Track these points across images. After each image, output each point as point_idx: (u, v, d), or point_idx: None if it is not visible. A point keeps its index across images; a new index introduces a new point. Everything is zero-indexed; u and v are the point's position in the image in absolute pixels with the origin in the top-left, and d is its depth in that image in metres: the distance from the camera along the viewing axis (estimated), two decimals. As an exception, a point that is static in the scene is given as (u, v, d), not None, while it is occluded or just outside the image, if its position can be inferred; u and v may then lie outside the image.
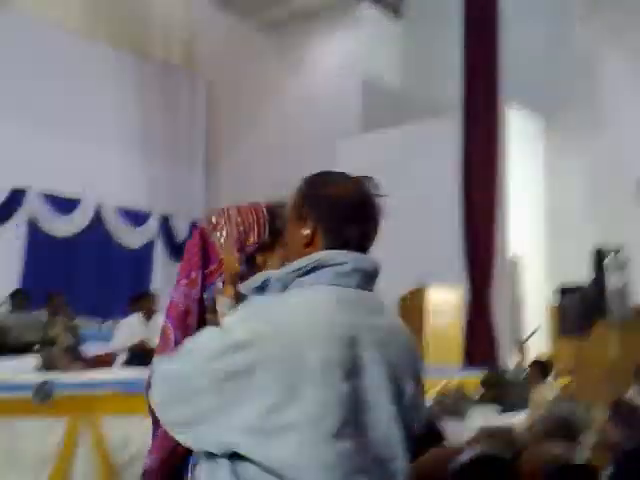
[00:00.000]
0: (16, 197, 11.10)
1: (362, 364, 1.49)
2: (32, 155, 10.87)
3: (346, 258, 1.57)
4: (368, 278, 1.62)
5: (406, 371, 1.59)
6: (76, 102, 11.58)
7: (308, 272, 1.54)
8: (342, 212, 1.59)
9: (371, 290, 1.63)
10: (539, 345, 9.24)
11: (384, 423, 1.50)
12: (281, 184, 9.56)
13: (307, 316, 1.47)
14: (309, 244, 1.59)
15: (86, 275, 11.70)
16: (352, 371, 1.47)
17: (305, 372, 1.42)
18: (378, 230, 1.67)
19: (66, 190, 11.53)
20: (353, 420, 1.46)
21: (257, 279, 1.60)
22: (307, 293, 1.52)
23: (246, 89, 13.39)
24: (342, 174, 1.68)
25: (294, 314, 1.47)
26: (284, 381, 1.40)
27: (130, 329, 7.95)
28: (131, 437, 5.24)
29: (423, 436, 1.69)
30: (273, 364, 1.42)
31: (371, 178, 1.72)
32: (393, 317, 1.68)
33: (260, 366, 1.42)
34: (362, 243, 1.62)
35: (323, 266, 1.54)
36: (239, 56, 13.47)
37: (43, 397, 4.23)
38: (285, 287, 1.55)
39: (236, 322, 1.49)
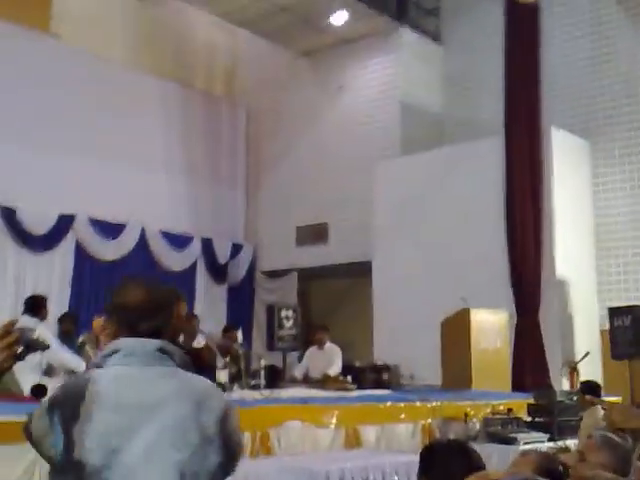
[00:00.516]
0: (64, 222, 11.32)
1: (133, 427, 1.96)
2: (80, 182, 11.12)
3: (125, 344, 2.10)
4: (150, 357, 2.11)
5: (189, 425, 2.04)
6: (122, 130, 11.83)
7: (108, 355, 2.10)
8: (130, 314, 2.18)
9: (163, 364, 2.12)
10: (590, 368, 9.07)
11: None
12: (319, 208, 9.73)
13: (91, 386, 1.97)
14: (116, 336, 2.15)
15: (131, 298, 11.81)
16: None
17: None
18: (168, 318, 2.27)
19: (112, 215, 11.73)
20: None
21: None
22: (101, 371, 2.05)
23: (285, 115, 13.57)
24: (140, 284, 2.31)
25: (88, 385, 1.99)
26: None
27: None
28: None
29: (460, 461, 2.02)
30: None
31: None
32: (181, 380, 2.13)
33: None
34: (151, 332, 2.16)
35: (114, 352, 2.09)
36: (279, 83, 13.68)
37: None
38: (99, 366, 2.10)
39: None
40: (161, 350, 2.12)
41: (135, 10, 12.77)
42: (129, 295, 2.22)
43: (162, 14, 13.08)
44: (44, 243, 11.15)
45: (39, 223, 11.06)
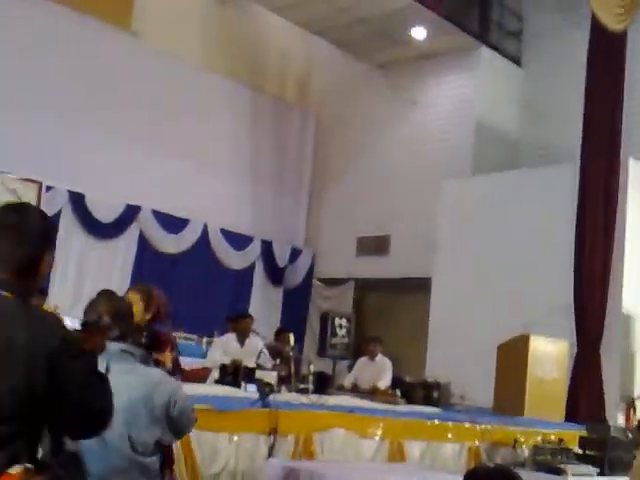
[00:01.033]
0: (130, 213, 11.50)
1: None
2: (148, 176, 11.34)
3: None
4: (115, 356, 2.79)
5: (139, 408, 2.97)
6: (192, 129, 12.02)
7: None
8: None
9: (126, 361, 2.96)
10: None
11: None
12: (382, 219, 9.58)
13: None
14: None
15: (188, 291, 11.96)
16: None
17: None
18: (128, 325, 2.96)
19: (176, 210, 11.88)
20: None
21: None
22: None
23: (355, 125, 13.55)
24: (107, 298, 3.02)
25: None
26: None
27: (224, 348, 8.04)
28: (219, 453, 5.25)
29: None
30: None
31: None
32: (139, 374, 3.01)
33: None
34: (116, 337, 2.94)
35: None
36: (351, 94, 13.67)
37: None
38: None
39: None
40: (123, 351, 2.98)
41: (214, 12, 12.94)
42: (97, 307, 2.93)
43: (241, 17, 13.23)
44: (109, 231, 11.35)
45: (106, 211, 11.27)
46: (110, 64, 11.08)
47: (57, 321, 1.94)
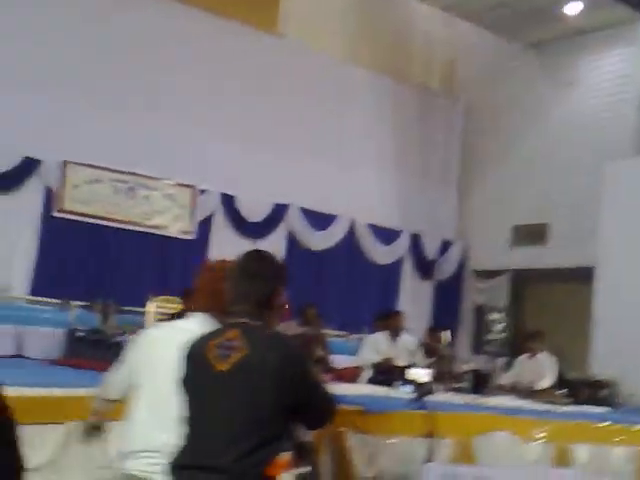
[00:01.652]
0: (279, 211, 11.64)
1: None
2: (294, 174, 11.40)
3: None
4: None
5: None
6: (336, 124, 11.99)
7: None
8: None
9: None
10: None
11: None
12: (538, 207, 9.04)
13: None
14: None
15: (336, 288, 11.97)
16: None
17: None
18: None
19: (323, 206, 11.91)
20: None
21: None
22: None
23: (506, 110, 12.99)
24: None
25: None
26: None
27: (376, 346, 7.92)
28: (376, 456, 5.11)
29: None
30: None
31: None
32: None
33: None
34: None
35: None
36: (501, 78, 13.11)
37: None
38: None
39: None
40: None
41: (356, 3, 12.82)
42: None
43: (382, 7, 13.02)
44: (259, 230, 11.54)
45: (255, 211, 11.46)
46: (258, 68, 11.22)
47: (293, 344, 2.50)
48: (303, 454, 2.63)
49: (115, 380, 3.03)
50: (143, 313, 9.82)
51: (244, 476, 2.22)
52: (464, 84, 13.86)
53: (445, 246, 13.32)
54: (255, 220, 11.47)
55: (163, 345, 2.79)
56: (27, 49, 9.44)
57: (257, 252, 2.60)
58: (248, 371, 2.29)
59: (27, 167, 9.62)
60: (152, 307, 9.69)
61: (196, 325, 2.75)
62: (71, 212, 9.93)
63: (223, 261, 2.88)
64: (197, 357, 2.38)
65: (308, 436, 3.50)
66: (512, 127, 12.87)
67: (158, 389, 2.70)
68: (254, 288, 2.45)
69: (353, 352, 8.71)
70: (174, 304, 9.10)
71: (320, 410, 2.48)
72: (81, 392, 4.25)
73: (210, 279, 2.87)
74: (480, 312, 10.70)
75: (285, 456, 2.30)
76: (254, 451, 2.24)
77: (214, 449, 2.26)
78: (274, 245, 11.68)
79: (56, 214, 9.84)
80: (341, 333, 11.08)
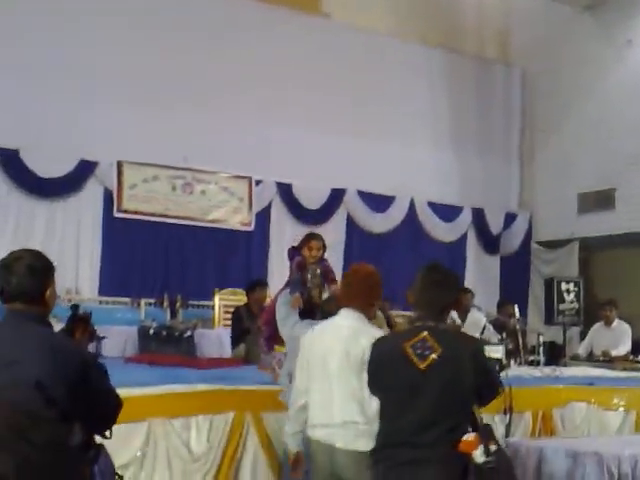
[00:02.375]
0: (336, 196, 11.55)
1: None
2: (350, 157, 11.24)
3: None
4: None
5: None
6: (389, 103, 11.74)
7: None
8: None
9: None
10: None
11: None
12: (604, 172, 8.72)
13: None
14: None
15: (399, 270, 11.81)
16: None
17: None
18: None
19: (381, 188, 11.75)
20: None
21: None
22: None
23: (565, 75, 12.59)
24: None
25: None
26: None
27: (446, 325, 7.77)
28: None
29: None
30: None
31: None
32: None
33: None
34: None
35: None
36: (558, 43, 12.69)
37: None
38: None
39: None
40: None
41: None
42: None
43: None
44: (318, 217, 11.46)
45: (313, 198, 11.39)
46: (307, 51, 11.10)
47: (477, 340, 3.33)
48: (487, 434, 2.85)
49: (296, 399, 3.65)
50: (209, 306, 9.93)
51: (444, 452, 2.73)
52: (520, 52, 13.50)
53: (509, 219, 13.01)
54: (313, 207, 11.40)
55: (327, 338, 3.56)
56: (76, 52, 9.57)
57: (439, 265, 3.16)
58: (445, 366, 2.79)
59: (84, 169, 9.77)
60: (218, 300, 9.78)
61: (352, 321, 3.53)
62: (131, 211, 10.06)
63: (367, 265, 3.83)
64: (395, 356, 2.87)
65: None
66: (572, 91, 12.46)
67: (330, 375, 3.46)
68: (440, 296, 2.95)
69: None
70: (239, 296, 9.15)
71: (492, 391, 2.99)
72: (161, 390, 4.46)
73: (362, 280, 3.65)
74: (550, 283, 10.41)
75: (473, 435, 2.77)
76: (450, 431, 2.75)
77: (418, 430, 2.76)
78: (334, 231, 11.63)
79: (117, 214, 9.97)
80: (408, 315, 10.94)
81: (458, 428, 2.77)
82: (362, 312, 3.56)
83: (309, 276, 5.13)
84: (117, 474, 2.62)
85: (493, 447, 2.79)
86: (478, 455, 2.73)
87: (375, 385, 3.01)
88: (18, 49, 9.19)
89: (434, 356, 2.78)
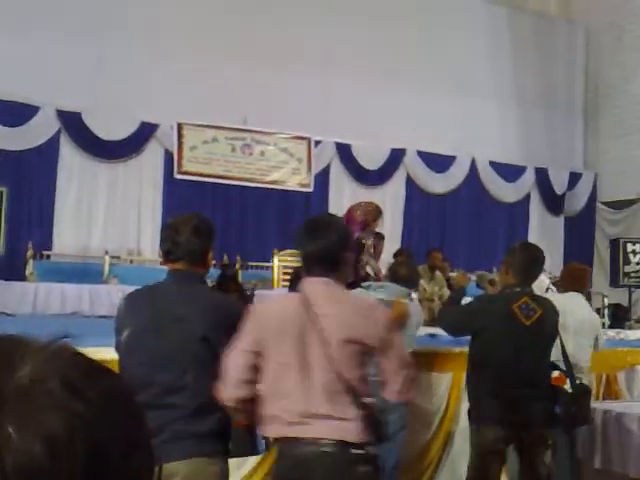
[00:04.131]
0: (396, 156, 11.41)
1: None
2: (410, 116, 11.04)
3: None
4: None
5: None
6: (451, 60, 11.48)
7: None
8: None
9: None
10: None
11: None
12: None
13: None
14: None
15: (461, 231, 11.67)
16: None
17: None
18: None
19: (441, 148, 11.56)
20: None
21: None
22: None
23: (630, 29, 12.08)
24: None
25: None
26: None
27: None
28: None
29: None
30: None
31: None
32: None
33: None
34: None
35: None
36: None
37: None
38: None
39: None
40: None
41: None
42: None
43: None
44: (377, 178, 11.38)
45: (372, 158, 11.28)
46: (367, 6, 10.84)
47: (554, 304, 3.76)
48: (569, 372, 3.71)
49: None
50: (268, 267, 9.99)
51: (546, 385, 3.59)
52: (582, 8, 13.03)
53: (573, 178, 12.68)
54: (372, 168, 11.30)
55: None
56: (138, 15, 9.61)
57: (534, 245, 4.03)
58: (544, 323, 3.53)
59: (145, 132, 9.89)
60: (277, 261, 9.83)
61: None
62: (191, 173, 10.14)
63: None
64: (505, 313, 3.49)
65: None
66: (637, 45, 11.96)
67: None
68: (537, 270, 3.70)
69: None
70: (297, 257, 9.17)
71: None
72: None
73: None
74: (615, 244, 10.13)
75: (557, 373, 3.69)
76: (547, 370, 3.62)
77: (527, 371, 3.48)
78: (394, 192, 11.52)
79: (177, 176, 10.07)
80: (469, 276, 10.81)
81: (549, 368, 3.64)
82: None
83: (363, 252, 5.12)
84: None
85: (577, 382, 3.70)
86: (568, 387, 3.64)
87: (489, 336, 3.57)
88: (80, 12, 9.28)
89: (537, 315, 3.49)
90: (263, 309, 2.55)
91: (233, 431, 2.52)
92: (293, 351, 2.32)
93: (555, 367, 3.69)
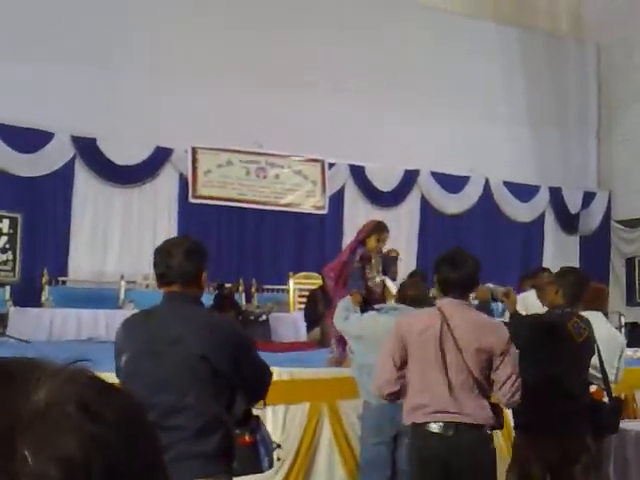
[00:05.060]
0: (410, 178, 11.44)
1: None
2: (423, 139, 11.11)
3: None
4: None
5: None
6: (463, 82, 11.53)
7: None
8: None
9: None
10: None
11: None
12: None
13: None
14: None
15: (475, 251, 11.59)
16: None
17: None
18: None
19: (455, 168, 11.57)
20: None
21: None
22: None
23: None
24: None
25: None
26: None
27: (525, 306, 7.59)
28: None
29: None
30: None
31: None
32: None
33: None
34: None
35: None
36: (630, 14, 12.20)
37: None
38: None
39: None
40: None
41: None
42: None
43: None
44: (392, 199, 11.39)
45: (386, 180, 11.31)
46: (381, 32, 10.97)
47: None
48: (606, 386, 3.88)
49: None
50: (284, 290, 9.99)
51: (587, 396, 3.73)
52: (593, 26, 13.06)
53: (588, 197, 12.65)
54: (387, 189, 11.33)
55: None
56: (150, 41, 9.73)
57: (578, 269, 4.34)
58: (590, 342, 3.73)
59: (159, 156, 9.97)
60: (292, 284, 9.83)
61: None
62: (206, 197, 10.20)
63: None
64: (561, 331, 3.66)
65: None
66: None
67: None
68: (582, 292, 3.81)
69: (498, 314, 8.43)
70: (313, 280, 9.17)
71: None
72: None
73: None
74: (631, 263, 10.09)
75: (595, 387, 3.84)
76: (586, 381, 3.75)
77: (569, 383, 3.60)
78: (408, 212, 11.52)
79: (192, 200, 10.13)
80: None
81: (587, 381, 3.79)
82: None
83: (370, 269, 5.14)
84: (275, 443, 2.79)
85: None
86: (606, 400, 3.84)
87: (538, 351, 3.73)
88: (95, 39, 9.42)
89: (585, 334, 3.69)
90: (406, 321, 3.16)
91: (237, 449, 2.52)
92: (434, 354, 2.97)
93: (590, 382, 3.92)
